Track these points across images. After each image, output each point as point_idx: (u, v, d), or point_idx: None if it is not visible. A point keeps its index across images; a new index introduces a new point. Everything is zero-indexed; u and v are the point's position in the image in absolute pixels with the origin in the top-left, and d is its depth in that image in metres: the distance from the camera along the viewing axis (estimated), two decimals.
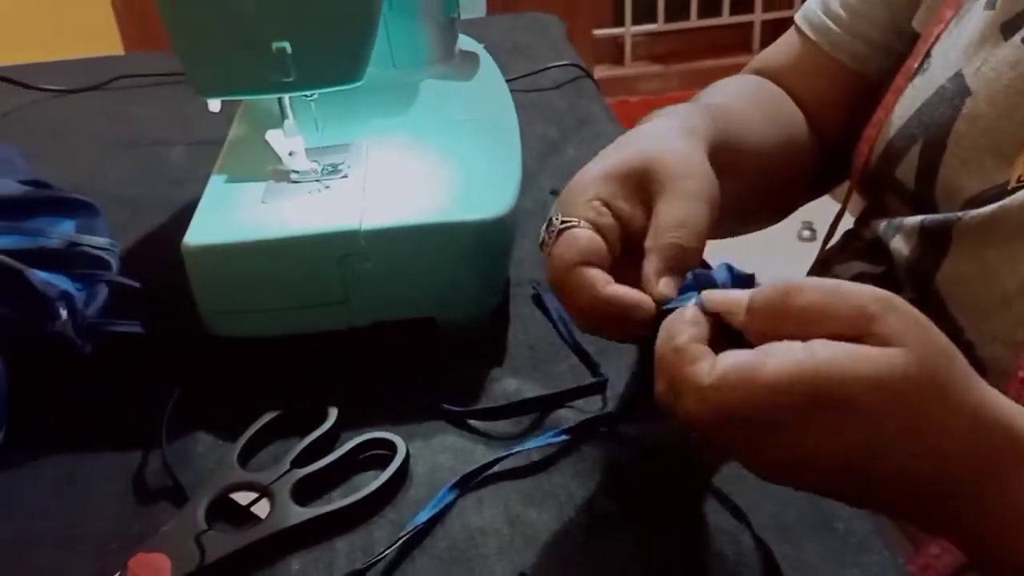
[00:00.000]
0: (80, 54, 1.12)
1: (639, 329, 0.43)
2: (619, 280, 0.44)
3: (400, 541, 0.47)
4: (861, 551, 0.45)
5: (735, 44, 2.60)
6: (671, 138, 0.49)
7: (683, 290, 0.44)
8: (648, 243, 0.45)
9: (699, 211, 0.45)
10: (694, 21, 2.56)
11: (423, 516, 0.48)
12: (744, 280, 0.44)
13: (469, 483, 0.51)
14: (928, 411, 0.35)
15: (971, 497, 0.37)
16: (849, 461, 0.36)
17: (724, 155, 0.51)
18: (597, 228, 0.45)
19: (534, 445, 0.52)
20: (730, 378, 0.35)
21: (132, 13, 2.02)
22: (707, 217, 0.45)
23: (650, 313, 0.42)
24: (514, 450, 0.52)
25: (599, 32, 2.53)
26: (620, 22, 2.53)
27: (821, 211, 0.80)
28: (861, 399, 0.34)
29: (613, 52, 2.58)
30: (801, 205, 0.74)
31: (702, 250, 0.45)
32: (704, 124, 0.52)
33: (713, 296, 0.40)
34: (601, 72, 2.48)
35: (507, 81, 0.82)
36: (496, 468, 0.51)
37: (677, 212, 0.45)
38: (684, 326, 0.38)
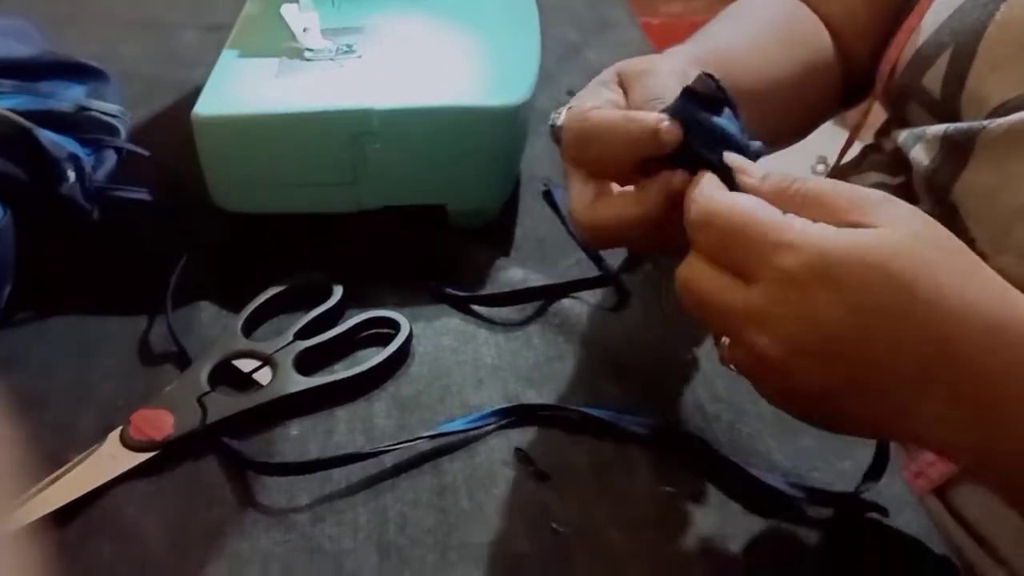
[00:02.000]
0: None
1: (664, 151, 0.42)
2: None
3: (425, 437, 0.46)
4: (856, 445, 0.45)
5: None
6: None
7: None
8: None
9: (671, 83, 0.45)
10: None
11: (458, 424, 0.47)
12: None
13: (519, 415, 0.48)
14: (916, 289, 0.34)
15: (967, 383, 0.35)
16: (839, 347, 0.35)
17: None
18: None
19: (605, 416, 0.48)
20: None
21: None
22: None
23: (677, 135, 0.41)
24: (583, 408, 0.48)
25: None
26: None
27: (835, 145, 0.79)
28: (845, 274, 0.34)
29: None
30: (822, 123, 0.72)
31: None
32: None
33: (735, 158, 0.40)
34: None
35: None
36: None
37: (651, 85, 0.45)
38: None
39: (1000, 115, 0.51)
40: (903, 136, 0.59)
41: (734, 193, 0.39)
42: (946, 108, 0.56)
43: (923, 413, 0.36)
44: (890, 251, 0.35)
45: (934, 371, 0.35)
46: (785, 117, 0.65)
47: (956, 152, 0.53)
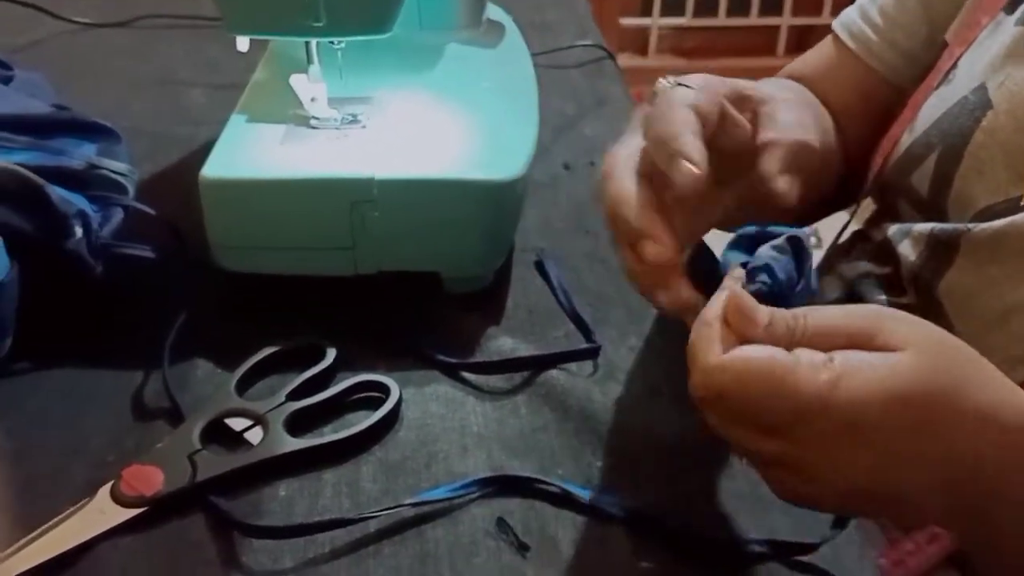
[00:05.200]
0: None
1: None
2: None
3: (409, 504, 0.47)
4: (827, 520, 0.46)
5: (761, 46, 2.60)
6: None
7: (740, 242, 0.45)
8: (769, 135, 0.45)
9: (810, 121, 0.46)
10: (722, 19, 2.56)
11: (441, 492, 0.48)
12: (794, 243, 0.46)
13: (501, 485, 0.49)
14: (936, 414, 0.37)
15: (980, 497, 0.39)
16: (866, 478, 0.38)
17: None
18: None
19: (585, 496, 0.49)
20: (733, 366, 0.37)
21: None
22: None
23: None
24: (564, 484, 0.49)
25: (626, 21, 2.53)
26: (648, 12, 2.53)
27: (827, 221, 0.81)
28: (869, 416, 0.36)
29: (638, 42, 2.59)
30: (824, 214, 0.74)
31: None
32: None
33: (743, 300, 0.40)
34: (624, 61, 2.45)
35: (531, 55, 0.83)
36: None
37: (795, 116, 0.46)
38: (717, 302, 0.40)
39: (985, 219, 0.53)
40: (892, 230, 0.60)
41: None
42: (932, 207, 0.58)
43: (931, 507, 0.39)
44: (907, 380, 0.37)
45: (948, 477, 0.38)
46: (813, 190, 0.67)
47: (941, 251, 0.55)
